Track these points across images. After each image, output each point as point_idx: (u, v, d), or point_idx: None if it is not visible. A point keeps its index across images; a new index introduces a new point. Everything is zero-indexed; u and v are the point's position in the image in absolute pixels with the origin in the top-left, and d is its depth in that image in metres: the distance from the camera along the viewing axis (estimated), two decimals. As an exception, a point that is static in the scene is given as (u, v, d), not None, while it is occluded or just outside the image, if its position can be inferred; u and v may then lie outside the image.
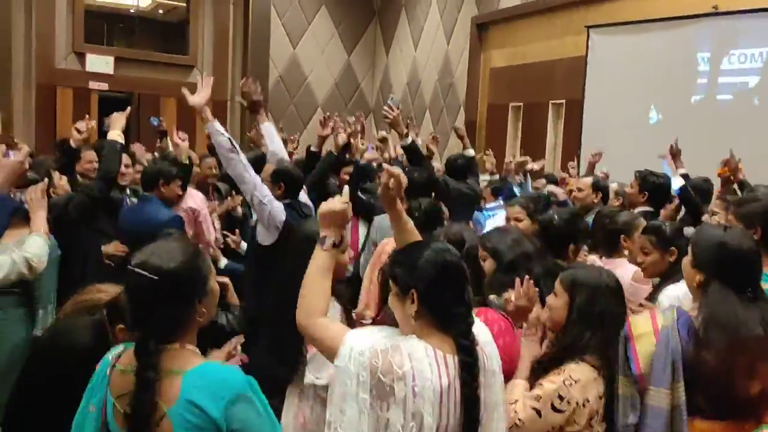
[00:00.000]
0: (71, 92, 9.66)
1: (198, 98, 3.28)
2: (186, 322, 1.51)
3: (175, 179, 3.85)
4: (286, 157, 3.86)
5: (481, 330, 1.69)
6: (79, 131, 3.87)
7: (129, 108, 3.97)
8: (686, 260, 2.13)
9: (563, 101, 8.27)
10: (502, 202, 4.83)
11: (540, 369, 2.01)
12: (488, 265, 2.48)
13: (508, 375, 2.01)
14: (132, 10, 11.08)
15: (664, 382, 1.90)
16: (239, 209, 4.83)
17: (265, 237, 3.34)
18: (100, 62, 9.86)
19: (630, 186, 4.20)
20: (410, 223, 1.92)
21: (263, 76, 10.77)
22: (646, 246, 2.80)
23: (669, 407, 1.90)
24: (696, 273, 2.06)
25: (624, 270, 2.93)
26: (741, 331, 1.89)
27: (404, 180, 1.88)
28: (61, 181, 3.76)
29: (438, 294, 1.60)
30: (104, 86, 9.90)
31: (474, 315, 1.67)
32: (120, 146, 3.60)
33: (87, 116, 3.96)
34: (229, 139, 3.23)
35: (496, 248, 2.46)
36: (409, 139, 4.28)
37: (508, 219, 3.57)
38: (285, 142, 6.24)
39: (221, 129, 3.25)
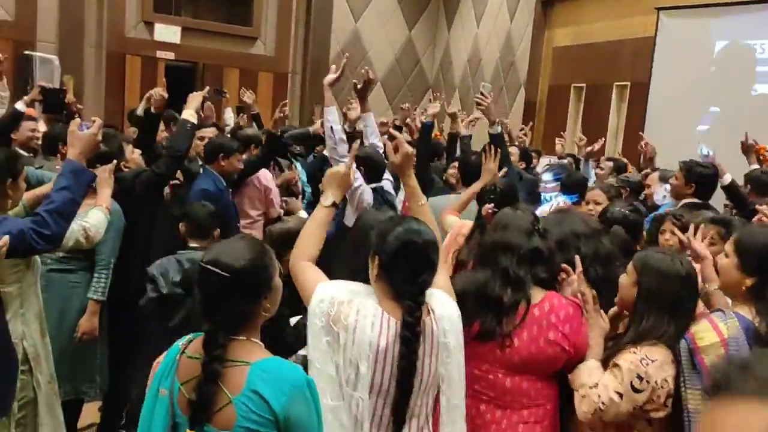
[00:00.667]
0: (140, 60, 9.95)
1: (327, 78, 3.56)
2: (252, 316, 1.59)
3: (235, 153, 3.95)
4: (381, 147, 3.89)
5: (443, 304, 1.87)
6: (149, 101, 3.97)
7: (207, 88, 4.07)
8: (728, 263, 2.04)
9: (628, 83, 8.05)
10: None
11: (614, 349, 2.05)
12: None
13: (575, 361, 2.09)
14: (199, -20, 11.27)
15: None
16: (298, 183, 4.95)
17: (351, 219, 3.43)
18: (168, 32, 10.10)
19: (675, 177, 4.01)
20: (421, 199, 2.19)
21: (324, 49, 10.85)
22: (713, 237, 2.66)
23: None
24: (744, 277, 1.98)
25: None
26: None
27: (410, 150, 2.20)
28: (133, 155, 3.83)
29: (394, 267, 1.78)
30: (171, 55, 10.14)
31: (432, 292, 1.85)
32: (191, 125, 3.58)
33: (163, 85, 4.02)
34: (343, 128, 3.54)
35: (545, 228, 2.49)
36: (499, 128, 4.15)
37: (586, 202, 3.56)
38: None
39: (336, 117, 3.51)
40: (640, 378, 1.90)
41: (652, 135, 5.83)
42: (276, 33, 10.80)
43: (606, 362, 2.03)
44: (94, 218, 2.77)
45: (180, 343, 1.64)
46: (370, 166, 3.68)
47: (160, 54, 10.07)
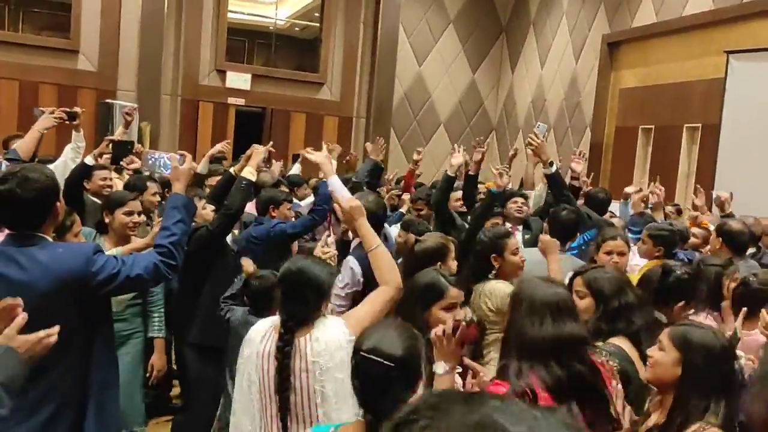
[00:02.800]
0: (212, 106, 10.39)
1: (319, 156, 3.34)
2: (407, 401, 1.61)
3: (284, 203, 4.16)
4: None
5: (327, 329, 2.10)
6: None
7: (271, 143, 4.25)
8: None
9: (699, 125, 7.81)
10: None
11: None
12: (586, 303, 2.39)
13: None
14: (270, 27, 11.74)
15: None
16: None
17: None
18: (239, 79, 10.52)
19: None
20: (373, 244, 2.33)
21: (388, 93, 11.04)
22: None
23: None
24: None
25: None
26: None
27: (355, 203, 2.41)
28: (204, 211, 3.85)
29: (281, 294, 2.19)
30: (241, 101, 10.55)
31: (324, 319, 2.14)
32: (247, 183, 3.62)
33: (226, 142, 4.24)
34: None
35: (601, 291, 2.39)
36: (553, 168, 4.06)
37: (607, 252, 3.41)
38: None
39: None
40: None
41: (724, 179, 5.62)
42: (342, 78, 11.08)
43: None
44: None
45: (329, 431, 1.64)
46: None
47: (231, 100, 10.49)
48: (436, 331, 1.95)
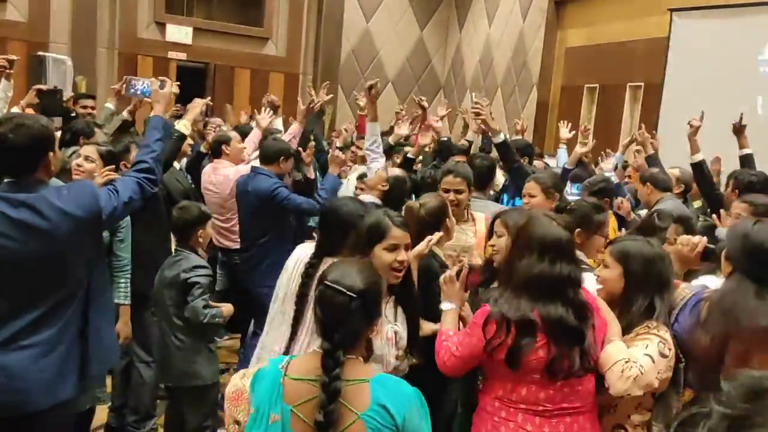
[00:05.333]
0: (151, 61, 9.98)
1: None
2: (364, 336, 1.68)
3: (291, 157, 4.08)
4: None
5: None
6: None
7: (209, 98, 4.08)
8: (724, 252, 2.18)
9: (642, 84, 7.98)
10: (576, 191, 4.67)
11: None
12: (504, 242, 2.47)
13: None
14: (211, -20, 11.30)
15: None
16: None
17: None
18: (179, 32, 10.13)
19: (726, 186, 4.02)
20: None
21: (335, 50, 10.84)
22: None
23: None
24: (726, 264, 2.12)
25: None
26: (743, 319, 1.92)
27: None
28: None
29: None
30: (182, 56, 10.18)
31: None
32: (179, 136, 3.58)
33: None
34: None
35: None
36: (502, 136, 4.10)
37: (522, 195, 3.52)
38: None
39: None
40: (663, 343, 2.04)
41: (667, 136, 5.76)
42: (287, 33, 10.81)
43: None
44: None
45: (279, 365, 1.65)
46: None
47: (171, 54, 10.11)
48: (444, 275, 2.24)
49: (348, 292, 1.59)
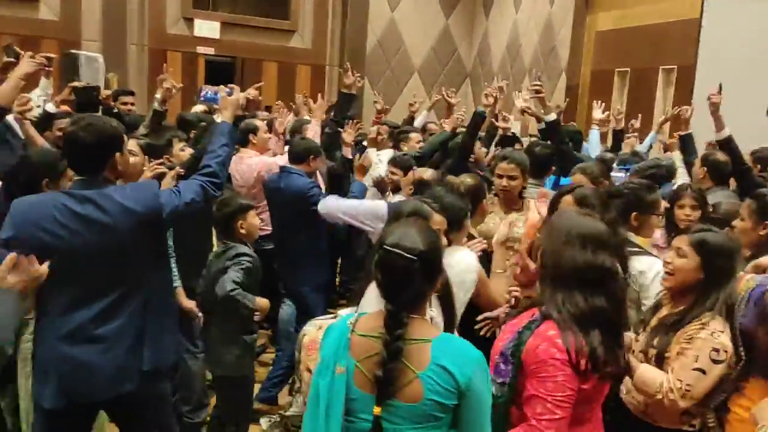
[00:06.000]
0: (180, 56, 10.10)
1: None
2: (426, 296, 1.71)
3: (320, 155, 4.07)
4: None
5: (462, 257, 2.38)
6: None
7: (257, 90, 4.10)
8: None
9: (674, 67, 7.82)
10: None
11: (668, 327, 2.15)
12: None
13: None
14: (237, -25, 11.37)
15: None
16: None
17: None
18: (207, 27, 10.22)
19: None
20: None
21: (361, 40, 10.83)
22: (743, 213, 2.78)
23: None
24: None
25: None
26: None
27: None
28: (182, 152, 3.74)
29: None
30: (210, 51, 10.27)
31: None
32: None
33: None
34: None
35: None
36: (554, 115, 4.10)
37: None
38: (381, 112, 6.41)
39: None
40: (716, 350, 2.01)
41: (699, 120, 5.65)
42: (313, 25, 10.83)
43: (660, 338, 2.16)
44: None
45: (348, 321, 1.71)
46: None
47: (200, 49, 10.21)
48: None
49: (408, 255, 1.61)
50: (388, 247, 1.64)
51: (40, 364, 2.25)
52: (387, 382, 1.58)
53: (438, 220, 2.27)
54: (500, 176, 3.37)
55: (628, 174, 4.25)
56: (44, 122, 3.99)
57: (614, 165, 4.76)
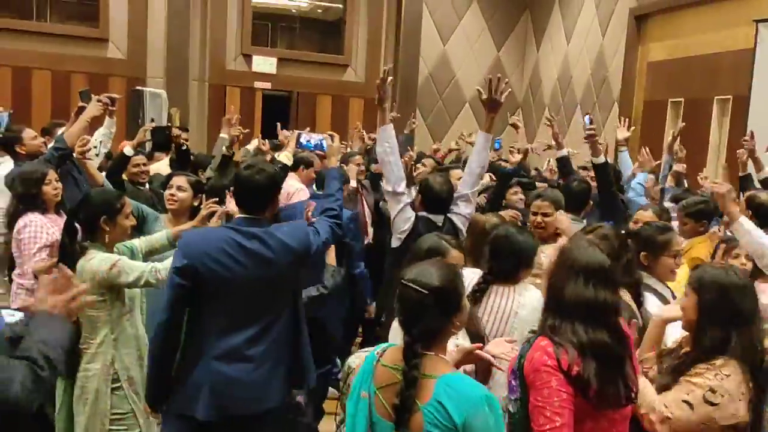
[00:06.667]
0: (239, 91, 10.51)
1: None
2: (443, 332, 1.79)
3: (311, 166, 4.57)
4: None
5: (534, 296, 2.42)
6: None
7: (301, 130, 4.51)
8: None
9: (730, 97, 7.69)
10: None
11: (678, 369, 2.10)
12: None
13: None
14: (293, 11, 11.79)
15: None
16: None
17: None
18: (265, 63, 10.62)
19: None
20: None
21: (413, 73, 11.03)
22: None
23: None
24: None
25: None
26: None
27: None
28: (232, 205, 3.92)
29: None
30: (267, 85, 10.65)
31: None
32: (283, 167, 4.05)
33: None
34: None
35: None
36: (603, 158, 4.10)
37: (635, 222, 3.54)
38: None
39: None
40: (713, 391, 1.96)
41: (757, 150, 5.54)
42: (366, 59, 11.10)
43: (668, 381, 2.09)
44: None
45: (375, 351, 1.84)
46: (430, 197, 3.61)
47: (257, 84, 10.60)
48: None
49: (421, 289, 1.72)
50: (405, 282, 1.76)
51: (193, 379, 2.47)
52: (402, 409, 1.68)
53: (456, 256, 2.39)
54: (534, 213, 3.48)
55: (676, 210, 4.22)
56: (123, 163, 4.34)
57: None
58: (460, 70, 11.41)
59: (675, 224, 3.87)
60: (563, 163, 4.71)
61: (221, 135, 5.12)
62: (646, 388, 2.05)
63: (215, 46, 10.31)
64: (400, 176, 3.44)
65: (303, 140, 3.89)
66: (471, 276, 2.59)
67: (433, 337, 1.76)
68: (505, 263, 2.54)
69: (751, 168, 5.06)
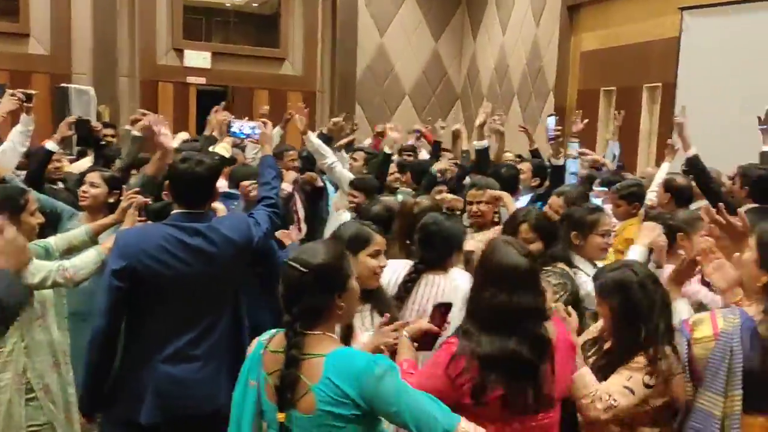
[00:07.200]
0: (172, 87, 10.20)
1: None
2: (326, 312, 1.74)
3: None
4: None
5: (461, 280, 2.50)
6: None
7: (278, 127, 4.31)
8: (748, 257, 1.97)
9: (659, 85, 7.89)
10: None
11: (604, 370, 2.14)
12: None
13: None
14: (228, 4, 11.52)
15: (717, 388, 1.82)
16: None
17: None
18: (198, 57, 10.33)
19: (732, 181, 3.97)
20: None
21: (351, 66, 10.94)
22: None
23: (721, 414, 1.81)
24: (762, 274, 1.91)
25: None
26: None
27: None
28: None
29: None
30: (201, 80, 10.37)
31: None
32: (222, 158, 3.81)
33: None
34: None
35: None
36: (561, 161, 4.30)
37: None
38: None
39: None
40: (649, 375, 2.04)
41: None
42: (303, 52, 10.95)
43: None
44: (82, 260, 2.64)
45: (263, 339, 1.81)
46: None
47: (191, 79, 10.30)
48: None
49: (301, 268, 1.69)
50: (286, 261, 1.74)
51: (135, 384, 2.37)
52: (283, 390, 1.66)
53: (380, 241, 2.32)
54: (470, 203, 3.45)
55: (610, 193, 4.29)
56: (46, 159, 4.09)
57: (596, 184, 4.81)
58: (398, 62, 11.38)
59: (608, 207, 3.93)
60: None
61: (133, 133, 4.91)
62: (587, 376, 2.08)
63: (145, 41, 9.96)
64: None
65: (235, 128, 3.67)
66: (399, 267, 2.54)
67: (316, 316, 1.72)
68: (435, 251, 2.52)
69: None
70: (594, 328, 2.36)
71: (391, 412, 1.62)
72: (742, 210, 3.54)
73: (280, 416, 1.67)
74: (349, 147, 6.24)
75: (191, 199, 2.45)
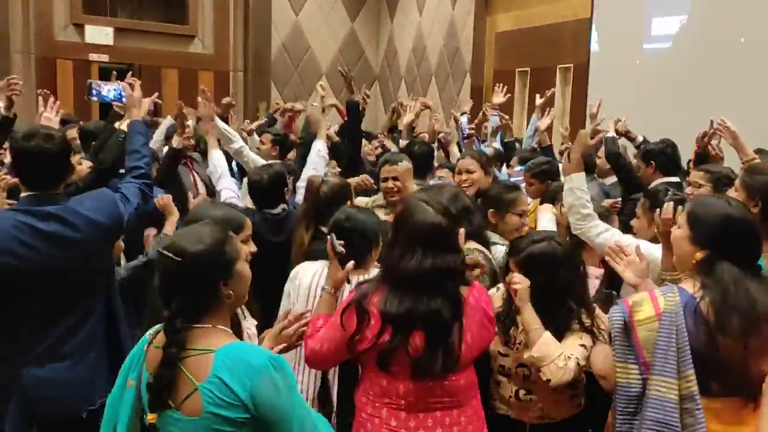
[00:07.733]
0: (71, 64, 9.56)
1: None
2: (212, 302, 1.56)
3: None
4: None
5: None
6: None
7: (157, 94, 3.70)
8: (680, 234, 1.93)
9: (571, 65, 8.04)
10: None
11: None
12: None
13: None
14: (132, -22, 10.90)
15: (670, 372, 1.76)
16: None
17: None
18: (100, 33, 9.73)
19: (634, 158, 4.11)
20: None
21: (265, 45, 10.60)
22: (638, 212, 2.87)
23: (677, 398, 1.75)
24: (696, 249, 1.87)
25: None
26: (757, 311, 1.75)
27: None
28: (80, 166, 3.43)
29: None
30: (104, 58, 9.77)
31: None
32: (124, 137, 3.02)
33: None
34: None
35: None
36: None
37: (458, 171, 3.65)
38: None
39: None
40: (592, 333, 2.15)
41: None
42: (214, 30, 10.51)
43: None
44: None
45: (149, 333, 1.63)
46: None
47: (92, 57, 9.70)
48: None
49: (176, 257, 1.51)
50: (160, 251, 1.55)
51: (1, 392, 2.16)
52: (156, 389, 1.49)
53: (249, 225, 2.18)
54: (385, 179, 3.31)
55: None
56: None
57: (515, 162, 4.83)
58: (314, 41, 11.12)
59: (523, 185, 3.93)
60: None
61: None
62: (550, 343, 2.05)
63: (41, 15, 9.28)
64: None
65: (96, 92, 3.14)
66: (319, 269, 2.39)
67: (200, 307, 1.54)
68: (353, 249, 2.27)
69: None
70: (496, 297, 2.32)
71: (278, 424, 1.48)
72: (654, 185, 3.63)
73: (151, 417, 1.50)
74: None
75: (40, 179, 2.17)
